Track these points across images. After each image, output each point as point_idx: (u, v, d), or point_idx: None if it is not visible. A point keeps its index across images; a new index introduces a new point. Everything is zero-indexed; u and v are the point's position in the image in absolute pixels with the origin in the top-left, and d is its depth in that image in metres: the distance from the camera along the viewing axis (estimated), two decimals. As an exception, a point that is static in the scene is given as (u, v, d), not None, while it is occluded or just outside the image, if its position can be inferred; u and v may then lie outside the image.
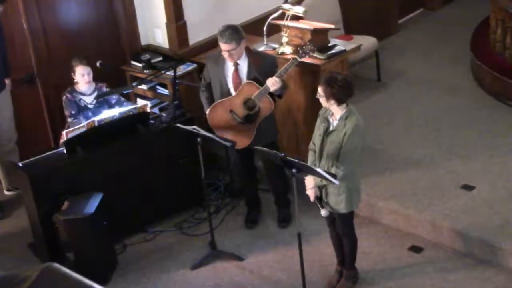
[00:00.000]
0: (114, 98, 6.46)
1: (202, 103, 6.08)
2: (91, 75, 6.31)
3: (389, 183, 6.34)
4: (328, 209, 5.17)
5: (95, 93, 6.38)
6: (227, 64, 5.87)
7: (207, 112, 5.94)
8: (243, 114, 5.84)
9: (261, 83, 5.74)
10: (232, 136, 5.83)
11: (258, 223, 6.39)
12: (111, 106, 6.42)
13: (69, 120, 6.33)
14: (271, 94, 5.78)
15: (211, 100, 5.98)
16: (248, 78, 5.83)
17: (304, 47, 5.80)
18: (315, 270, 5.72)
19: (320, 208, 5.14)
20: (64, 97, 6.35)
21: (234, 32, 5.72)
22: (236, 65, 5.85)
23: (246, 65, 5.85)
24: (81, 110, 6.34)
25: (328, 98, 5.00)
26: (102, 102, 6.39)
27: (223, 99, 5.87)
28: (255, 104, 5.79)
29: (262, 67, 5.82)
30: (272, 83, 5.67)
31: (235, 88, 5.85)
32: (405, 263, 5.74)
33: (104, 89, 6.43)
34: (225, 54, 5.78)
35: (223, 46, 5.74)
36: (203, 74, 6.09)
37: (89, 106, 6.36)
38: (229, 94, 5.87)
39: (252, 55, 5.89)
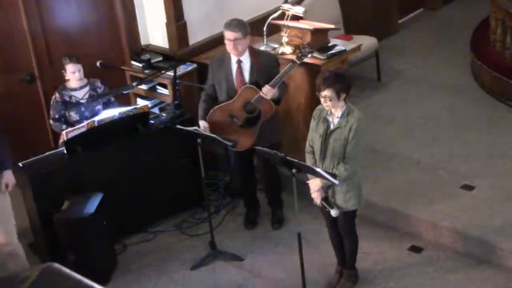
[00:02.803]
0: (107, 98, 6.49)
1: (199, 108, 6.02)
2: (81, 72, 6.32)
3: (389, 183, 6.34)
4: (336, 208, 5.15)
5: (87, 87, 6.38)
6: (232, 61, 5.85)
7: (207, 117, 5.89)
8: (243, 118, 5.84)
9: (261, 86, 5.73)
10: (234, 139, 5.82)
11: (258, 224, 6.39)
12: (105, 103, 6.43)
13: (51, 122, 6.42)
14: None
15: (207, 112, 5.92)
16: (251, 77, 5.82)
17: (302, 50, 5.77)
18: (315, 270, 5.71)
19: (330, 209, 5.11)
20: (53, 96, 6.37)
21: (240, 24, 5.76)
22: (239, 62, 5.84)
23: (249, 64, 5.84)
24: (73, 106, 6.34)
25: (339, 94, 4.95)
26: (95, 97, 6.40)
27: (222, 104, 5.85)
28: (255, 108, 5.79)
29: (264, 66, 5.82)
30: (266, 92, 5.67)
31: (238, 87, 5.84)
32: (405, 263, 5.74)
33: (98, 84, 6.43)
34: (230, 45, 5.75)
35: (229, 35, 5.73)
36: (207, 79, 6.06)
37: (81, 101, 6.35)
38: (234, 92, 5.85)
39: (254, 54, 5.89)
